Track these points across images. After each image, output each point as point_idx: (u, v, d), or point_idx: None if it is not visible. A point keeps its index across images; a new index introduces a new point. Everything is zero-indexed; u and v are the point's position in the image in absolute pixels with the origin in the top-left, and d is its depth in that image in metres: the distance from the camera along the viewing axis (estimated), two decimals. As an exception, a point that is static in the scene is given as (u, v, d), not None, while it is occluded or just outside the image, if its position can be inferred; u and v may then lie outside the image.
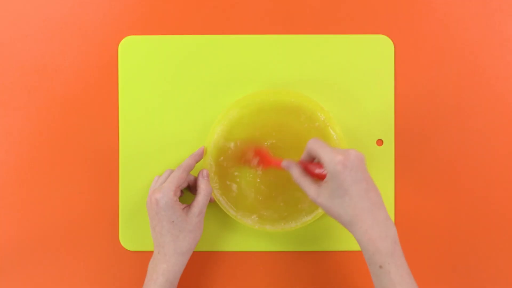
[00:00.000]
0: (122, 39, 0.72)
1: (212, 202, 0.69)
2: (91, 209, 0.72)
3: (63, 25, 0.72)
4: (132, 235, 0.72)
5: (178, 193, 0.64)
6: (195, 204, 0.64)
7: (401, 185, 0.72)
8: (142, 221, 0.71)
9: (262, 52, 0.72)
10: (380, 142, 0.72)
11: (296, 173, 0.62)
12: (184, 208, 0.64)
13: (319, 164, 0.62)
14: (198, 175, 0.67)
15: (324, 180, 0.59)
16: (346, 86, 0.72)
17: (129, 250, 0.72)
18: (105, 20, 0.72)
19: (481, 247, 0.72)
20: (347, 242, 0.72)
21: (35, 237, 0.72)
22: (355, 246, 0.72)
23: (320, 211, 0.69)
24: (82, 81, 0.72)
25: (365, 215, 0.57)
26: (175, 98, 0.72)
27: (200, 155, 0.68)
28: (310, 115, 0.69)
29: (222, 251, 0.72)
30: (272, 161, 0.66)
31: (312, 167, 0.62)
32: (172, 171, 0.67)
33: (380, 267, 0.57)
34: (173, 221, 0.63)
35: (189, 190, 0.70)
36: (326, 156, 0.57)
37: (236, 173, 0.69)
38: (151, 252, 0.67)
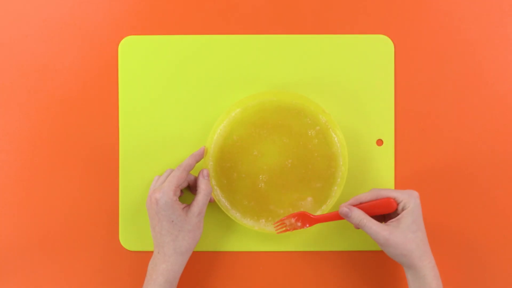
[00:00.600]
0: (122, 39, 0.72)
1: (212, 202, 0.69)
2: (91, 209, 0.72)
3: (63, 25, 0.72)
4: (132, 235, 0.72)
5: (178, 193, 0.64)
6: (194, 204, 0.64)
7: (401, 185, 0.72)
8: (142, 221, 0.71)
9: (262, 52, 0.72)
10: (380, 142, 0.72)
11: (359, 215, 0.63)
12: (184, 207, 0.64)
13: (391, 201, 0.63)
14: (199, 174, 0.67)
15: (398, 218, 0.62)
16: (346, 86, 0.72)
17: (129, 250, 0.72)
18: (105, 20, 0.72)
19: (482, 245, 0.72)
20: (347, 243, 0.72)
21: (35, 237, 0.72)
22: (355, 246, 0.72)
23: (319, 213, 0.69)
24: (82, 81, 0.72)
25: (429, 253, 0.62)
26: (175, 98, 0.72)
27: (201, 155, 0.68)
28: (311, 117, 0.69)
29: (222, 251, 0.72)
30: (322, 217, 0.67)
31: (376, 205, 0.64)
32: (172, 171, 0.67)
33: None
34: (172, 221, 0.63)
35: (189, 190, 0.70)
36: (402, 193, 0.63)
37: (236, 174, 0.69)
38: (151, 252, 0.67)
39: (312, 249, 0.72)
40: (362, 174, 0.72)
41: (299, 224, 0.67)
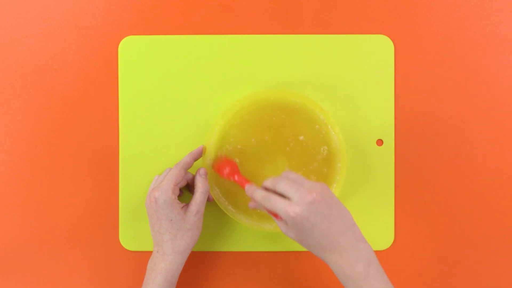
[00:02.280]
0: (122, 39, 0.72)
1: (210, 201, 0.69)
2: (91, 209, 0.72)
3: (63, 25, 0.72)
4: (132, 235, 0.72)
5: (177, 191, 0.64)
6: (192, 203, 0.64)
7: (401, 185, 0.72)
8: (142, 221, 0.71)
9: (262, 52, 0.72)
10: (380, 142, 0.72)
11: (259, 196, 0.60)
12: (182, 206, 0.64)
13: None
14: (196, 173, 0.67)
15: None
16: (346, 86, 0.72)
17: (129, 250, 0.72)
18: (105, 20, 0.72)
19: (481, 247, 0.72)
20: (347, 242, 0.72)
21: (35, 237, 0.72)
22: (355, 246, 0.72)
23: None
24: (82, 81, 0.72)
25: (331, 248, 0.57)
26: (175, 98, 0.72)
27: (199, 154, 0.68)
28: (310, 115, 0.69)
29: (222, 251, 0.72)
30: (239, 179, 0.65)
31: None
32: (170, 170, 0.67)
33: None
34: (171, 220, 0.63)
35: (188, 189, 0.70)
36: (280, 207, 0.57)
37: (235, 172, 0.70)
38: (150, 252, 0.67)
39: (312, 249, 0.72)
40: (362, 174, 0.72)
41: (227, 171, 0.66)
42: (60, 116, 0.72)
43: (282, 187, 0.58)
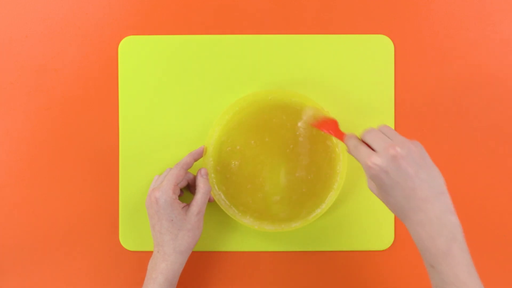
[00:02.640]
0: (122, 39, 0.72)
1: (211, 202, 0.69)
2: (91, 209, 0.72)
3: (63, 25, 0.72)
4: (132, 235, 0.72)
5: (177, 191, 0.64)
6: (193, 203, 0.64)
7: (401, 185, 0.72)
8: (142, 221, 0.71)
9: (262, 52, 0.72)
10: (380, 142, 0.72)
11: (351, 145, 0.58)
12: (183, 207, 0.64)
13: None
14: (197, 173, 0.67)
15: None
16: (346, 86, 0.72)
17: (129, 250, 0.72)
18: (105, 20, 0.72)
19: (481, 247, 0.72)
20: (347, 242, 0.72)
21: (35, 237, 0.72)
22: (355, 246, 0.72)
23: (320, 212, 0.69)
24: (82, 81, 0.72)
25: (412, 214, 0.53)
26: (175, 98, 0.72)
27: (199, 154, 0.68)
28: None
29: (222, 251, 0.72)
30: (336, 133, 0.63)
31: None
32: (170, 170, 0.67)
33: (432, 266, 0.53)
34: (172, 220, 0.63)
35: (188, 189, 0.70)
36: (362, 156, 0.55)
37: (236, 173, 0.69)
38: (151, 252, 0.67)
39: (312, 249, 0.72)
40: (362, 174, 0.71)
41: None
42: (60, 116, 0.72)
43: (370, 137, 0.56)
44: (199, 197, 0.65)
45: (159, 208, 0.62)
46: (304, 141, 0.69)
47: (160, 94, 0.72)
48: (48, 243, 0.72)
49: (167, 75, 0.72)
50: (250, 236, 0.72)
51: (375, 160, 0.53)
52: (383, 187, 0.54)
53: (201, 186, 0.65)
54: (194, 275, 0.72)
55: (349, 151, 0.59)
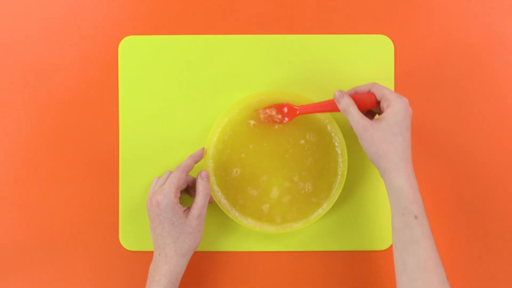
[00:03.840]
0: (122, 39, 0.72)
1: (211, 203, 0.69)
2: (91, 209, 0.72)
3: (63, 25, 0.72)
4: (132, 235, 0.72)
5: (178, 195, 0.64)
6: (194, 206, 0.64)
7: (401, 185, 0.72)
8: (142, 221, 0.71)
9: (262, 52, 0.72)
10: (380, 142, 0.72)
11: (348, 102, 0.62)
12: (184, 210, 0.64)
13: (370, 97, 0.63)
14: (197, 176, 0.67)
15: (381, 116, 0.60)
16: (346, 86, 0.72)
17: (129, 250, 0.72)
18: (105, 20, 0.72)
19: (482, 245, 0.72)
20: (347, 242, 0.72)
21: (35, 237, 0.72)
22: (355, 246, 0.72)
23: (320, 213, 0.69)
24: (82, 81, 0.72)
25: (407, 162, 0.59)
26: (175, 98, 0.72)
27: (200, 156, 0.68)
28: (309, 116, 0.69)
29: (222, 251, 0.72)
30: (306, 107, 0.66)
31: (362, 98, 0.63)
32: (170, 173, 0.67)
33: (416, 217, 0.57)
34: (173, 223, 0.63)
35: (187, 192, 0.70)
36: (392, 93, 0.61)
37: (236, 174, 0.69)
38: (151, 252, 0.67)
39: (312, 249, 0.72)
40: (362, 173, 0.71)
41: (279, 116, 0.68)
42: (60, 116, 0.72)
43: (380, 89, 0.62)
44: (200, 200, 0.64)
45: (161, 211, 0.62)
46: (304, 142, 0.69)
47: (160, 94, 0.72)
48: (48, 243, 0.72)
49: (167, 75, 0.72)
50: (250, 237, 0.72)
51: (406, 99, 0.60)
52: (402, 124, 0.59)
53: (201, 189, 0.65)
54: (195, 275, 0.72)
55: (340, 107, 0.62)
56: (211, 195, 0.68)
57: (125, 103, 0.72)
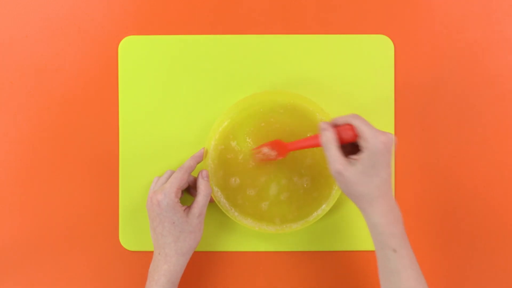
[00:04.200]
0: (122, 39, 0.72)
1: (212, 203, 0.69)
2: (91, 209, 0.72)
3: (63, 25, 0.72)
4: (132, 235, 0.72)
5: (179, 194, 0.64)
6: (195, 205, 0.64)
7: (400, 185, 0.72)
8: (142, 221, 0.71)
9: (262, 52, 0.72)
10: (380, 142, 0.72)
11: (328, 136, 0.59)
12: (185, 209, 0.64)
13: (351, 129, 0.60)
14: (198, 176, 0.67)
15: (357, 157, 0.59)
16: (346, 86, 0.72)
17: (129, 250, 0.72)
18: (105, 20, 0.72)
19: (481, 246, 0.72)
20: (347, 242, 0.72)
21: (35, 237, 0.72)
22: (355, 246, 0.72)
23: (320, 213, 0.69)
24: (82, 81, 0.72)
25: (385, 198, 0.58)
26: (175, 98, 0.72)
27: (201, 157, 0.68)
28: (310, 116, 0.69)
29: (222, 251, 0.72)
30: (294, 144, 0.65)
31: (343, 131, 0.60)
32: (172, 172, 0.67)
33: (394, 250, 0.58)
34: (174, 222, 0.63)
35: (188, 192, 0.70)
36: (369, 132, 0.58)
37: (236, 175, 0.69)
38: (151, 252, 0.67)
39: (312, 249, 0.72)
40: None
41: (274, 153, 0.68)
42: (60, 116, 0.72)
43: (359, 124, 0.59)
44: (200, 199, 0.65)
45: (161, 210, 0.62)
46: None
47: (160, 94, 0.72)
48: (48, 243, 0.72)
49: (167, 75, 0.72)
50: (250, 237, 0.72)
51: (383, 138, 0.57)
52: (378, 165, 0.57)
53: (202, 189, 0.65)
54: (194, 275, 0.72)
55: (352, 122, 0.60)
56: (211, 195, 0.68)
57: (125, 103, 0.72)
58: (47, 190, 0.72)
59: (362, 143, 0.59)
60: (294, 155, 0.69)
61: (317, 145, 0.62)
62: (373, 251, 0.71)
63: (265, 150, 0.68)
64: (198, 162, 0.68)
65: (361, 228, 0.72)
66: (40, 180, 0.72)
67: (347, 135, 0.60)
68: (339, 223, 0.72)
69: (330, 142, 0.59)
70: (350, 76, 0.72)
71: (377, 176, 0.58)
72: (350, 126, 0.60)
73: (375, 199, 0.58)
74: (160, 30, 0.72)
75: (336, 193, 0.69)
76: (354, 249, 0.72)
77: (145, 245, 0.71)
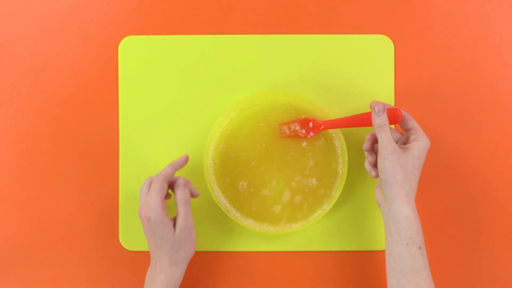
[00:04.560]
0: (122, 39, 0.72)
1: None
2: (91, 209, 0.72)
3: (63, 25, 0.72)
4: (132, 235, 0.72)
5: (165, 205, 0.63)
6: (178, 218, 0.63)
7: (401, 185, 0.72)
8: (142, 221, 0.71)
9: (262, 52, 0.72)
10: (380, 142, 0.72)
11: (385, 119, 0.62)
12: (174, 222, 0.63)
13: (399, 116, 0.64)
14: (174, 186, 0.64)
15: (407, 146, 0.62)
16: (346, 86, 0.72)
17: (129, 250, 0.72)
18: (105, 20, 0.72)
19: (482, 245, 0.72)
20: (347, 242, 0.72)
21: (35, 237, 0.72)
22: (355, 246, 0.72)
23: (320, 213, 0.69)
24: (82, 81, 0.72)
25: (415, 195, 0.61)
26: (175, 98, 0.72)
27: (181, 164, 0.66)
28: (310, 116, 0.69)
29: (222, 251, 0.72)
30: (331, 122, 0.67)
31: (390, 115, 0.64)
32: (151, 180, 0.65)
33: (419, 248, 0.59)
34: (163, 237, 0.62)
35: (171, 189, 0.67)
36: (421, 129, 0.63)
37: (236, 175, 0.69)
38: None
39: (312, 249, 0.72)
40: (361, 174, 0.71)
41: (303, 131, 0.68)
42: (60, 116, 0.72)
43: (412, 122, 0.64)
44: (181, 210, 0.63)
45: (150, 226, 0.62)
46: (305, 144, 0.69)
47: (160, 94, 0.72)
48: (48, 243, 0.72)
49: (167, 75, 0.72)
50: (250, 237, 0.72)
51: (427, 140, 0.63)
52: (421, 160, 0.62)
53: (179, 198, 0.63)
54: (194, 275, 0.72)
55: (374, 123, 0.63)
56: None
57: (125, 103, 0.72)
58: (47, 190, 0.72)
59: (412, 136, 0.63)
60: (296, 156, 0.69)
61: (358, 125, 0.65)
62: (373, 251, 0.72)
63: (294, 126, 0.68)
64: (177, 169, 0.65)
65: (361, 229, 0.72)
66: (40, 180, 0.72)
67: (393, 119, 0.64)
68: (339, 223, 0.72)
69: (386, 125, 0.62)
70: (350, 76, 0.72)
71: (418, 170, 0.61)
72: (399, 112, 0.63)
73: (411, 192, 0.61)
74: (160, 30, 0.72)
75: (336, 193, 0.69)
76: (354, 249, 0.72)
77: (145, 245, 0.71)
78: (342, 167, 0.69)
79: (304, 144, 0.69)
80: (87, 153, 0.72)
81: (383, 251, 0.72)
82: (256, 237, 0.72)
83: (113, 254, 0.72)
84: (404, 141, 0.65)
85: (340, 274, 0.72)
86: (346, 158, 0.69)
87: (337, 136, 0.69)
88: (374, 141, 0.66)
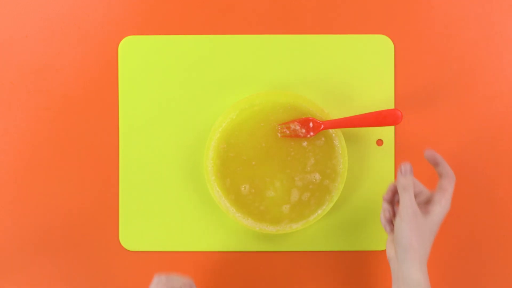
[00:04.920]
0: (122, 39, 0.72)
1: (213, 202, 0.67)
2: (91, 209, 0.72)
3: (63, 25, 0.72)
4: (132, 235, 0.72)
5: None
6: None
7: (401, 185, 0.72)
8: (142, 221, 0.71)
9: (262, 52, 0.72)
10: (380, 142, 0.72)
11: (411, 180, 0.60)
12: None
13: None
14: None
15: (430, 210, 0.59)
16: (346, 86, 0.72)
17: (129, 250, 0.72)
18: (105, 20, 0.72)
19: (483, 246, 0.72)
20: (347, 242, 0.72)
21: (35, 237, 0.72)
22: (355, 246, 0.72)
23: (320, 213, 0.69)
24: (82, 81, 0.72)
25: (428, 257, 0.59)
26: (175, 98, 0.72)
27: None
28: (310, 116, 0.69)
29: (222, 251, 0.72)
30: (330, 123, 0.67)
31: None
32: (159, 279, 0.60)
33: None
34: None
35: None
36: (450, 194, 0.60)
37: (236, 175, 0.69)
38: (151, 252, 0.67)
39: (312, 249, 0.72)
40: (362, 174, 0.72)
41: (303, 131, 0.68)
42: (60, 116, 0.72)
43: (448, 183, 0.61)
44: None
45: None
46: (306, 144, 0.69)
47: (160, 94, 0.72)
48: (48, 243, 0.72)
49: (167, 75, 0.72)
50: (250, 236, 0.72)
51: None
52: (439, 226, 0.59)
53: None
54: (194, 276, 0.72)
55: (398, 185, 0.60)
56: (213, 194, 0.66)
57: (125, 103, 0.72)
58: (47, 190, 0.72)
59: (438, 195, 0.60)
60: (296, 156, 0.69)
61: (358, 125, 0.66)
62: (373, 251, 0.72)
63: (294, 126, 0.68)
64: None
65: (361, 229, 0.72)
66: (40, 180, 0.72)
67: (392, 121, 0.65)
68: (339, 223, 0.72)
69: (410, 186, 0.59)
70: (350, 76, 0.72)
71: (434, 234, 0.59)
72: (398, 113, 0.64)
73: (424, 256, 0.58)
74: (160, 30, 0.72)
75: (336, 193, 0.69)
76: (354, 249, 0.72)
77: (145, 245, 0.71)
78: (342, 167, 0.69)
79: (305, 143, 0.69)
80: (87, 153, 0.72)
81: (383, 251, 0.72)
82: (256, 237, 0.72)
83: (113, 254, 0.72)
84: (427, 199, 0.61)
85: (340, 274, 0.72)
86: (346, 158, 0.69)
87: (337, 135, 0.69)
88: (396, 192, 0.63)
